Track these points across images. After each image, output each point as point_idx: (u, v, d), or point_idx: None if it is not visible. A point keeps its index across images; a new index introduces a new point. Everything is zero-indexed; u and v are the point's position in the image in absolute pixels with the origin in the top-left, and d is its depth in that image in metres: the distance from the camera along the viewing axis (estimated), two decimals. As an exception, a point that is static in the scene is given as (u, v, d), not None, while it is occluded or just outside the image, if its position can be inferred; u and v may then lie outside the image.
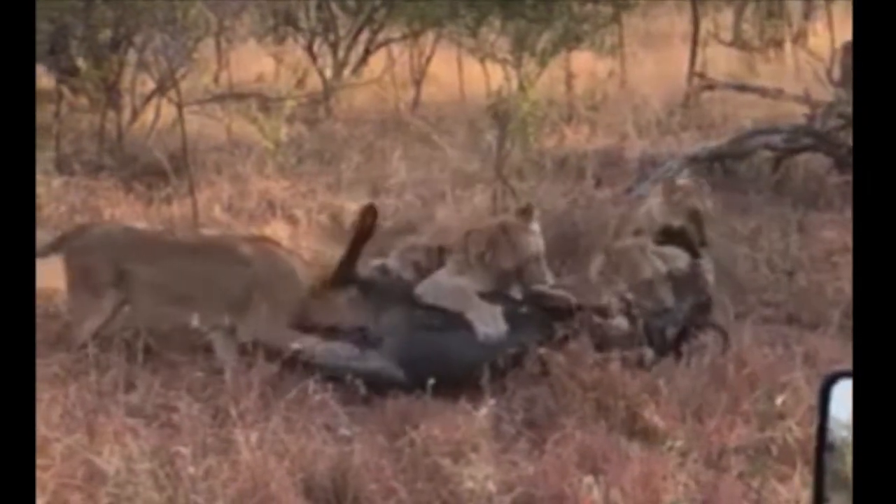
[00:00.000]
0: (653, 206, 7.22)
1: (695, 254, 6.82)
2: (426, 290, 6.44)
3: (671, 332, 6.38)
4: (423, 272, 6.63)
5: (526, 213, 6.67)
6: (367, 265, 6.60)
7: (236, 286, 6.25)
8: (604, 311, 6.27)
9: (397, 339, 6.16)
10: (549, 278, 6.57)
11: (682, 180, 7.61)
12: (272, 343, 6.02)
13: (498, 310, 6.28)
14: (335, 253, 7.33)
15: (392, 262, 6.73)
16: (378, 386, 5.90)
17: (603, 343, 6.04)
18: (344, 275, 6.36)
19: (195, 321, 5.89)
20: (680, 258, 6.72)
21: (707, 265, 6.85)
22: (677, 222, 6.98)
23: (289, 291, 6.29)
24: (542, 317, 6.29)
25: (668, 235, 6.91)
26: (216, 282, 6.25)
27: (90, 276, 6.27)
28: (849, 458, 1.98)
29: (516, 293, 6.43)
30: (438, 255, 6.70)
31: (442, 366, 5.86)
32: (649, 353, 6.12)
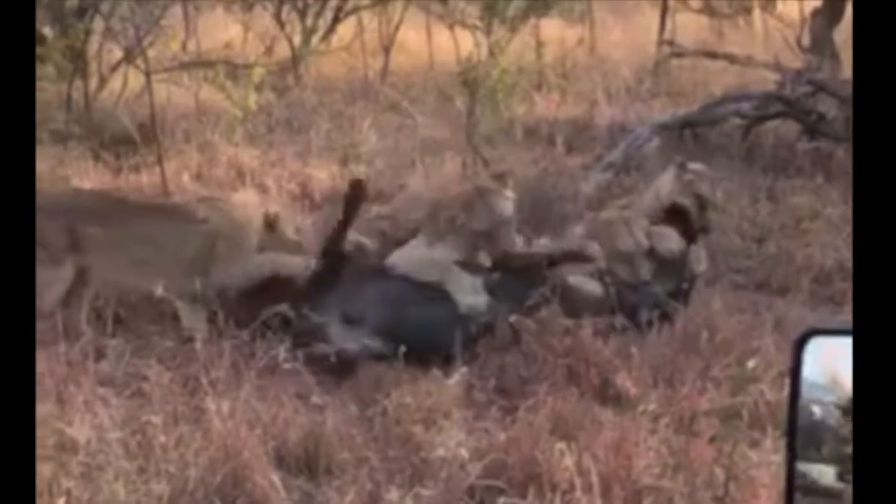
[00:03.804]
0: (663, 183, 7.20)
1: (691, 239, 6.79)
2: (398, 260, 6.40)
3: (644, 314, 6.27)
4: (388, 241, 6.60)
5: (501, 178, 6.70)
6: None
7: (196, 245, 6.23)
8: (579, 255, 6.27)
9: (379, 316, 6.08)
10: (519, 245, 6.56)
11: (695, 165, 7.59)
12: (249, 278, 6.10)
13: (479, 281, 6.26)
14: (304, 220, 7.34)
15: (358, 235, 6.71)
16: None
17: (574, 310, 6.03)
18: (332, 249, 6.33)
19: (159, 290, 5.86)
20: (673, 240, 6.68)
21: (699, 253, 6.81)
22: (682, 202, 6.96)
23: (250, 236, 6.33)
24: (514, 284, 6.28)
25: (670, 216, 6.88)
26: (173, 244, 6.22)
27: (46, 245, 6.15)
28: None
29: (485, 260, 6.42)
30: (406, 225, 6.68)
31: (427, 340, 5.83)
32: (620, 319, 6.10)
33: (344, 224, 6.37)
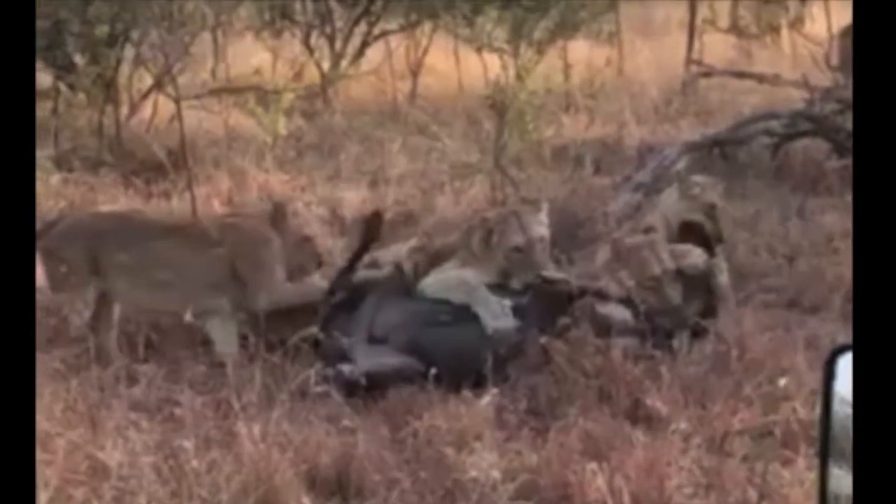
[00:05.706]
0: (668, 202, 7.18)
1: (711, 251, 6.76)
2: (430, 284, 6.41)
3: (677, 339, 6.20)
4: (419, 270, 6.62)
5: (535, 203, 6.74)
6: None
7: (215, 268, 6.23)
8: (605, 295, 6.25)
9: (403, 336, 6.09)
10: (552, 268, 6.56)
11: (698, 176, 7.58)
12: (283, 301, 6.16)
13: (507, 304, 6.25)
14: (334, 245, 7.36)
15: (391, 255, 6.72)
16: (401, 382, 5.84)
17: (605, 335, 5.99)
18: (342, 282, 6.36)
19: (188, 316, 5.88)
20: (696, 255, 6.66)
21: (721, 265, 6.78)
22: (694, 217, 6.94)
23: (270, 255, 6.30)
24: (543, 307, 6.26)
25: (685, 231, 6.86)
26: (192, 268, 6.23)
27: (70, 272, 6.20)
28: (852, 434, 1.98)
29: (516, 284, 6.40)
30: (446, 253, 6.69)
31: (452, 361, 5.81)
32: (651, 348, 6.06)
33: (358, 254, 6.40)
